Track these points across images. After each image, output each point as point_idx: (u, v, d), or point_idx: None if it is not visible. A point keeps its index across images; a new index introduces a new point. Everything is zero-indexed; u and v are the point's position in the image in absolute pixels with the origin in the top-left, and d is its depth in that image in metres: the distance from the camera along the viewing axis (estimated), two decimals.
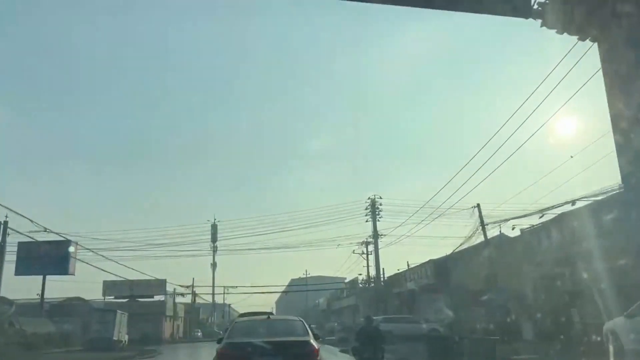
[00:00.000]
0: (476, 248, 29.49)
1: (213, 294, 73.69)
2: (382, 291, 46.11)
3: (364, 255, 50.04)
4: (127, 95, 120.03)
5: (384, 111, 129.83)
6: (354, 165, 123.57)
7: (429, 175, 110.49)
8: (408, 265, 46.07)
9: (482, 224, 29.21)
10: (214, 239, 69.20)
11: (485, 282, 25.89)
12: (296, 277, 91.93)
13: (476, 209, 29.81)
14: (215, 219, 68.45)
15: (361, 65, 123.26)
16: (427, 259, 37.01)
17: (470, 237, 30.01)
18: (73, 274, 43.23)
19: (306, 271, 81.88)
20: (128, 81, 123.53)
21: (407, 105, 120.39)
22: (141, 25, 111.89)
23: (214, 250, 69.86)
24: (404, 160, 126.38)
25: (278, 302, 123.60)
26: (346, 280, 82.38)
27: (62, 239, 41.92)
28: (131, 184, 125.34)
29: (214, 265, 69.44)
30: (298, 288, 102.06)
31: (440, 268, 32.78)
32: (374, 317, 18.90)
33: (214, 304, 78.05)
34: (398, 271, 43.35)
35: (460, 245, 31.57)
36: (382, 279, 47.04)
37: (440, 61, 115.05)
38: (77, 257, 43.61)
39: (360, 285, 51.66)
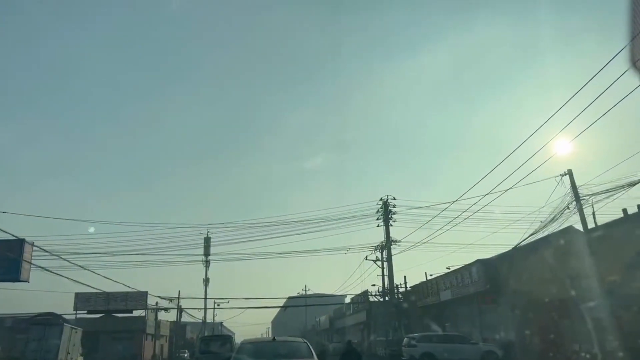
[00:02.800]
0: (548, 240, 21.86)
1: (205, 309, 66.50)
2: (401, 304, 38.38)
3: (378, 263, 42.32)
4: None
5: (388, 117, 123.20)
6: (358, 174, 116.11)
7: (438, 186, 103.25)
8: (426, 276, 38.55)
9: (577, 196, 21.64)
10: (206, 252, 61.48)
11: (572, 284, 18.35)
12: (294, 294, 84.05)
13: (566, 177, 22.06)
14: (208, 232, 62.33)
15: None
16: (452, 264, 29.89)
17: (554, 219, 22.50)
18: (27, 281, 35.18)
19: (305, 287, 73.05)
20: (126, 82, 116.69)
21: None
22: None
23: (206, 265, 64.75)
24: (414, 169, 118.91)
25: (274, 322, 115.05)
26: (347, 298, 75.22)
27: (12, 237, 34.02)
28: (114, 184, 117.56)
29: (206, 280, 63.36)
30: (296, 305, 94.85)
31: (494, 269, 25.23)
32: (411, 335, 12.49)
33: (204, 322, 70.12)
34: (432, 276, 35.00)
35: (531, 235, 23.90)
36: (402, 290, 39.36)
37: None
38: (45, 266, 36.00)
39: (375, 299, 43.64)
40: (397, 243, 42.77)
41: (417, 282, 37.65)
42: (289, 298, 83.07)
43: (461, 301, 28.74)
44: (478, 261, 26.65)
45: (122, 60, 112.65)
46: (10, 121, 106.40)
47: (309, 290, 75.22)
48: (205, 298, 66.38)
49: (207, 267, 61.91)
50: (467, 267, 28.03)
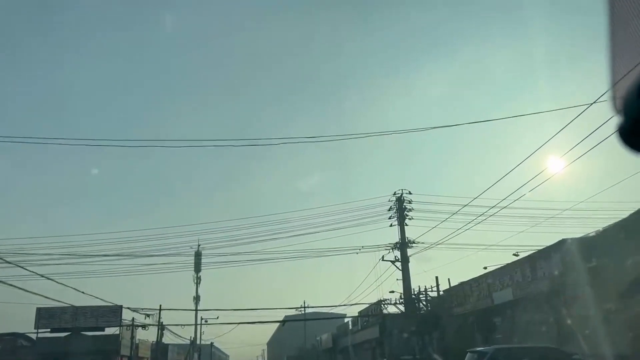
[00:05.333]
0: None
1: (195, 326, 58.77)
2: (430, 315, 30.92)
3: (398, 264, 35.03)
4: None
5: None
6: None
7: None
8: (448, 283, 31.31)
9: None
10: (197, 268, 55.98)
11: None
12: (292, 309, 75.93)
13: None
14: (199, 245, 55.28)
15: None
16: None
17: None
18: None
19: (304, 302, 64.58)
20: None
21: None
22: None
23: (197, 281, 56.79)
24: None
25: (270, 344, 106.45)
26: (347, 316, 67.15)
27: None
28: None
29: (197, 298, 55.79)
30: (295, 324, 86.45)
31: (587, 254, 17.85)
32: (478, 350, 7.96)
33: (193, 343, 62.19)
34: (482, 272, 27.08)
35: None
36: (430, 295, 31.90)
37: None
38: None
39: (395, 308, 36.05)
40: (415, 244, 35.68)
41: (454, 284, 30.13)
42: (285, 317, 75.78)
43: (527, 303, 21.28)
44: (563, 242, 19.21)
45: (117, 81, 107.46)
46: None
47: (308, 305, 66.66)
48: (196, 316, 59.23)
49: (197, 283, 56.26)
50: (543, 253, 20.53)
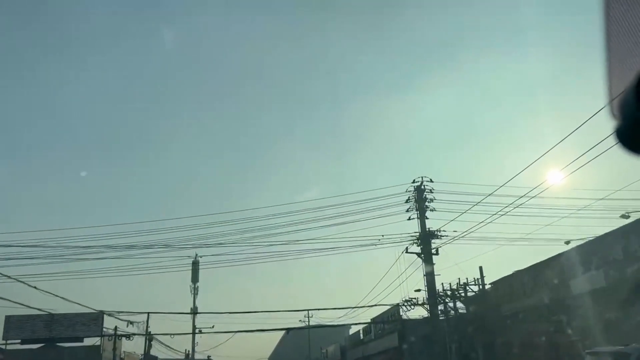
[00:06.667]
0: None
1: (194, 337, 53.20)
2: (473, 316, 25.23)
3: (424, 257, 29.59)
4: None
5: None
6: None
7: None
8: (480, 274, 25.79)
9: None
10: (194, 278, 51.81)
11: None
12: (295, 320, 69.96)
13: None
14: (197, 255, 49.19)
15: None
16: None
17: None
18: None
19: (308, 313, 58.17)
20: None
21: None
22: None
23: (195, 292, 51.89)
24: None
25: (272, 358, 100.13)
26: (357, 323, 60.92)
27: None
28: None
29: (194, 309, 50.74)
30: (298, 337, 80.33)
31: None
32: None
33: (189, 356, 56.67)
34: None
35: None
36: (470, 290, 26.27)
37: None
38: None
39: (423, 310, 30.48)
40: (442, 235, 30.33)
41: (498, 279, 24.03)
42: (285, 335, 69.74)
43: (620, 292, 15.66)
44: None
45: (116, 100, 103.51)
46: None
47: (311, 317, 60.23)
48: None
49: (195, 294, 51.64)
50: None
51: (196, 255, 51.30)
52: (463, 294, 26.31)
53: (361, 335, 49.22)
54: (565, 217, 41.02)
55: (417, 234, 30.30)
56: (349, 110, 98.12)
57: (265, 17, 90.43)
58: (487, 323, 22.49)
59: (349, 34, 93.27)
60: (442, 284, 29.36)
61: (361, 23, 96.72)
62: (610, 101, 1.97)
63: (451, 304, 29.65)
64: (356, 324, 40.89)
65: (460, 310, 27.41)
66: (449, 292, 26.80)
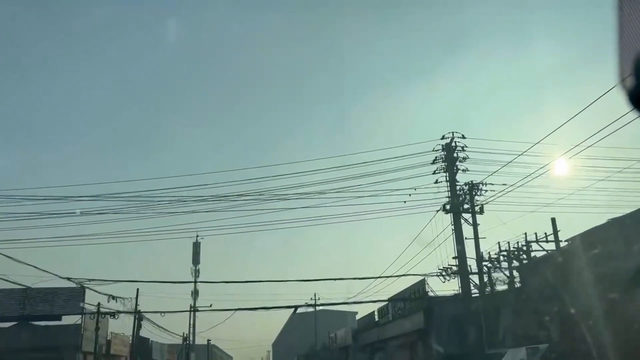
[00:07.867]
0: None
1: (194, 320, 49.78)
2: (544, 283, 19.44)
3: (467, 217, 24.35)
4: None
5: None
6: None
7: None
8: (554, 227, 20.50)
9: None
10: (195, 260, 50.76)
11: None
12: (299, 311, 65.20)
13: None
14: (198, 235, 47.64)
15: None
16: None
17: None
18: None
19: (315, 295, 52.95)
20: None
21: None
22: None
23: (195, 274, 50.24)
24: None
25: (276, 344, 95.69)
26: (358, 316, 55.65)
27: None
28: None
29: (195, 293, 48.55)
30: (304, 322, 75.53)
31: None
32: None
33: (189, 345, 52.26)
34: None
35: None
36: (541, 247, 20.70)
37: None
38: None
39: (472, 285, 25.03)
40: (485, 189, 25.07)
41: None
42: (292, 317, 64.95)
43: None
44: None
45: (121, 95, 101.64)
46: None
47: (319, 300, 55.06)
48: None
49: (196, 276, 50.07)
50: None
51: (197, 236, 48.19)
52: (524, 257, 20.86)
53: (376, 316, 43.81)
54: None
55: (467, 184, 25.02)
56: (355, 106, 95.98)
57: (270, 15, 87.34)
58: (568, 293, 16.38)
59: (357, 30, 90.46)
60: (488, 251, 24.10)
61: (369, 20, 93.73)
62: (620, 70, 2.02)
63: (497, 275, 24.33)
64: (374, 301, 35.37)
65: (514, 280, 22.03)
66: (503, 255, 21.41)
